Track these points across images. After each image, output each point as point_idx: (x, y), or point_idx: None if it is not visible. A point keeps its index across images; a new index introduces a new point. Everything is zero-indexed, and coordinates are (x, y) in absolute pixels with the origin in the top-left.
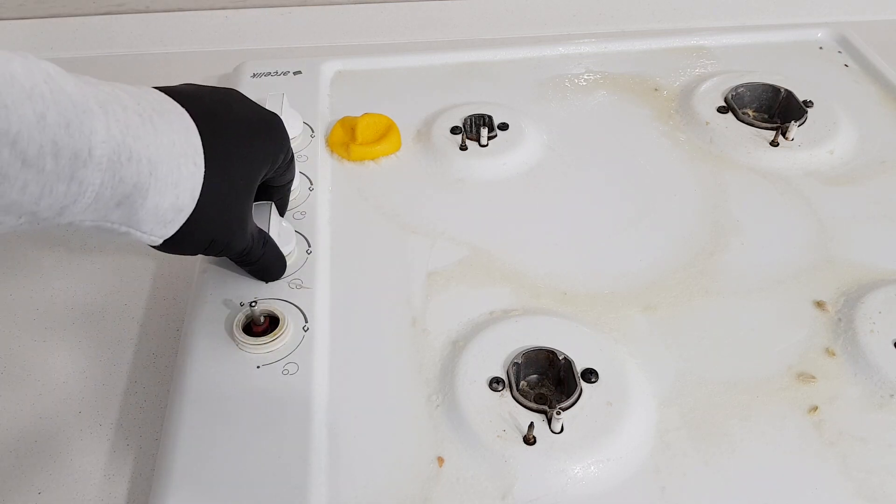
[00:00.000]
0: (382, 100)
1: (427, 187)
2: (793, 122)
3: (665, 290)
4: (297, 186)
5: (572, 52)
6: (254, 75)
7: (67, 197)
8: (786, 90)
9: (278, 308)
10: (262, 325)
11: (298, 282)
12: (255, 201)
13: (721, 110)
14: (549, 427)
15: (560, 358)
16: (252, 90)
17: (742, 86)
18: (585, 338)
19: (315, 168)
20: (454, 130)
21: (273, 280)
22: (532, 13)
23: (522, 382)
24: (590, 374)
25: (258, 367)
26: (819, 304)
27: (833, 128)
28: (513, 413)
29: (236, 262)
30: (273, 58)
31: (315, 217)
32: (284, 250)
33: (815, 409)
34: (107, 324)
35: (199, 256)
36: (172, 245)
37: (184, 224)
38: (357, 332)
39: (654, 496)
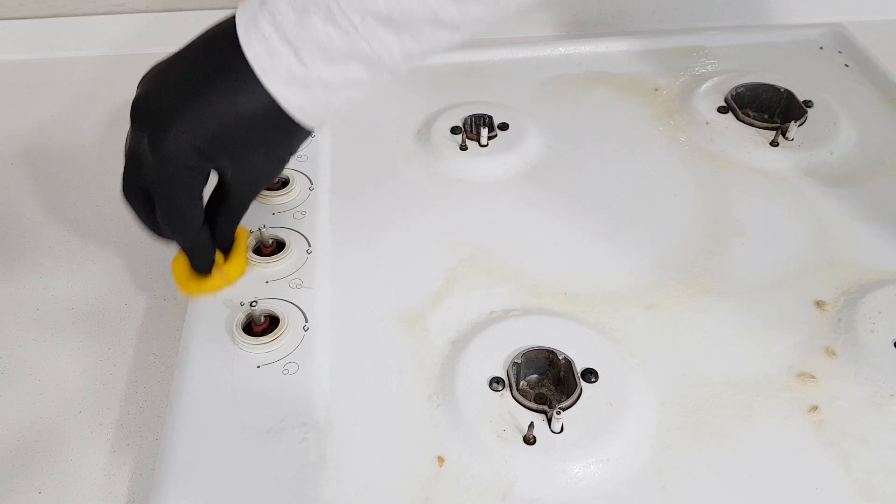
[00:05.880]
0: (382, 99)
1: (427, 187)
2: (793, 122)
3: (665, 289)
4: (297, 186)
5: (572, 51)
6: None
7: None
8: (786, 90)
9: (278, 308)
10: (262, 325)
11: (298, 282)
12: None
13: (721, 110)
14: (550, 427)
15: (560, 358)
16: None
17: (742, 86)
18: (586, 338)
19: (315, 168)
20: (454, 130)
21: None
22: (532, 13)
23: (522, 382)
24: (590, 374)
25: (258, 367)
26: (819, 304)
27: (833, 128)
28: (513, 413)
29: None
30: None
31: (315, 217)
32: None
33: (816, 409)
34: (107, 324)
35: None
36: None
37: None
38: (357, 332)
39: (655, 496)
